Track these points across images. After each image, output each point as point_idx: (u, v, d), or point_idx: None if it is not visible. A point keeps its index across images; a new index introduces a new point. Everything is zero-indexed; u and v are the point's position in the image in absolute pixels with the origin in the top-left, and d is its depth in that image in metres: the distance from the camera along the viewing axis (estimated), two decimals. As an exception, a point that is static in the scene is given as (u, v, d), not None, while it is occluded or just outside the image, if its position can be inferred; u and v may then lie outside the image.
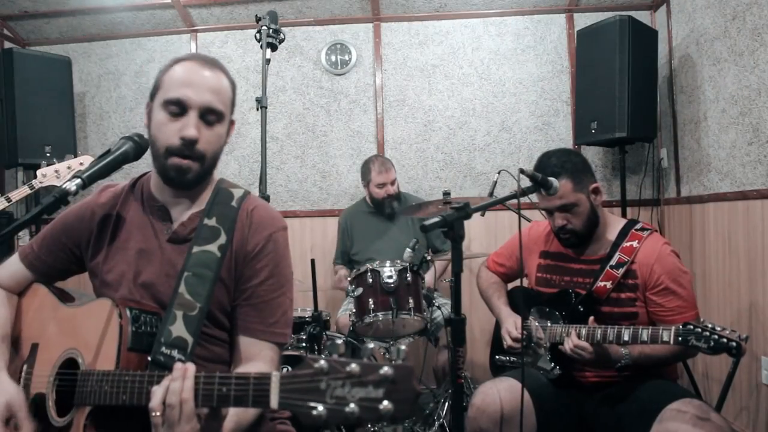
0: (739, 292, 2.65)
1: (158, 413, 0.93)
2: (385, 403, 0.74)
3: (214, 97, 1.20)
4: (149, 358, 1.09)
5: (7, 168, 3.71)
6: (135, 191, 1.32)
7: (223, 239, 1.21)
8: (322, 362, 0.78)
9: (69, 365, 1.17)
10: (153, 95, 1.24)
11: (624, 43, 3.01)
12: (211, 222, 1.22)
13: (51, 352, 1.21)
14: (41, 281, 1.34)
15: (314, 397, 0.77)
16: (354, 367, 0.76)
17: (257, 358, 1.21)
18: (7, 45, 3.77)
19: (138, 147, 1.24)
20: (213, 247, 1.20)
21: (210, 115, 1.20)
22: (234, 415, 1.06)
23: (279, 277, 1.25)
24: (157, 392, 0.94)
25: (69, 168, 2.40)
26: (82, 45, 3.94)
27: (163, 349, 1.09)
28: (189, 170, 1.19)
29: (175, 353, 1.09)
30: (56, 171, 2.39)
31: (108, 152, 1.21)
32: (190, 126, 1.16)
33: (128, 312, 1.12)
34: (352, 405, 0.75)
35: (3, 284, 1.33)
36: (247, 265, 1.23)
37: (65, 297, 1.31)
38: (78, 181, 1.11)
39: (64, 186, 1.08)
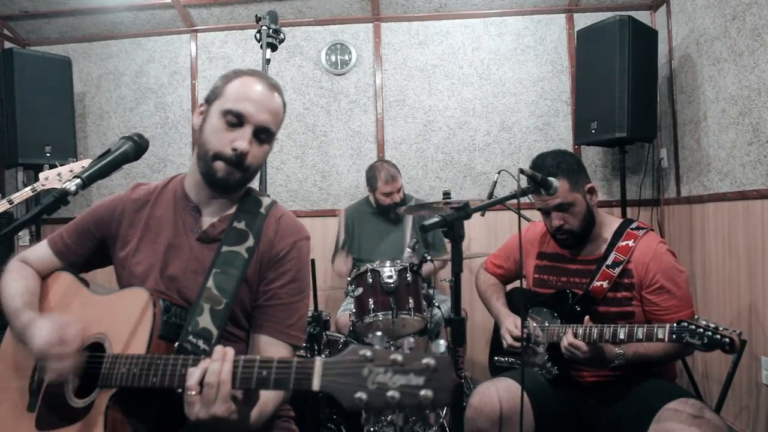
0: (738, 291, 2.65)
1: (194, 392, 0.96)
2: (425, 390, 0.77)
3: (271, 117, 1.28)
4: (176, 345, 1.14)
5: (7, 168, 3.71)
6: (168, 190, 1.38)
7: (250, 242, 1.28)
8: (367, 350, 0.82)
9: (92, 350, 1.19)
10: (210, 100, 1.30)
11: (624, 43, 3.01)
12: (240, 225, 1.30)
13: None
14: (66, 269, 1.38)
15: (356, 382, 0.81)
16: (398, 356, 0.80)
17: (274, 356, 1.23)
18: (7, 45, 3.77)
19: (138, 147, 1.24)
20: (241, 249, 1.26)
21: (263, 134, 1.28)
22: (258, 404, 1.09)
23: (300, 282, 1.32)
24: (195, 372, 0.98)
25: (71, 171, 2.41)
26: (82, 45, 3.95)
27: (190, 337, 1.15)
28: (232, 177, 1.26)
29: (200, 343, 1.15)
30: (58, 174, 2.40)
31: (108, 152, 1.21)
32: (244, 140, 1.23)
33: (161, 302, 1.17)
34: (393, 391, 0.78)
35: (31, 266, 1.38)
36: (271, 268, 1.29)
37: (89, 286, 1.34)
38: (78, 181, 1.10)
39: (63, 186, 1.09)
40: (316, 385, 0.85)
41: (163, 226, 1.32)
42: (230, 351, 0.98)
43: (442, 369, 0.78)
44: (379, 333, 0.86)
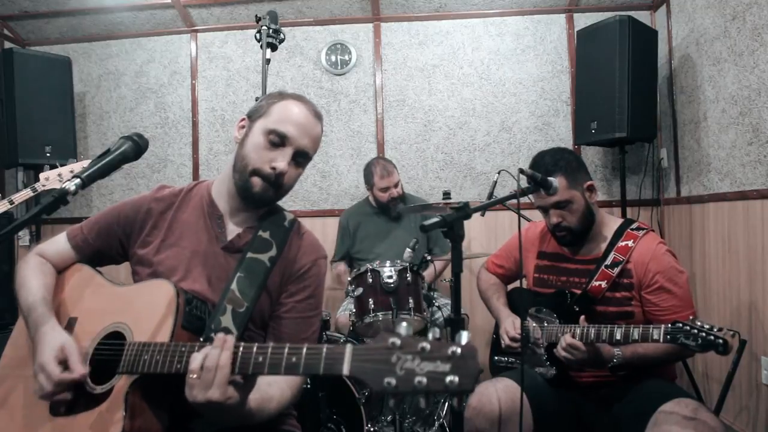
0: (738, 292, 2.65)
1: (195, 375, 1.00)
2: (451, 376, 0.81)
3: (311, 144, 1.34)
4: (201, 339, 1.17)
5: (7, 168, 3.71)
6: (194, 195, 1.42)
7: (273, 252, 1.33)
8: (396, 338, 0.85)
9: (114, 338, 1.20)
10: (254, 116, 1.34)
11: (624, 43, 3.01)
12: (265, 235, 1.35)
13: (92, 326, 1.25)
14: (84, 262, 1.40)
15: (385, 368, 0.84)
16: (425, 344, 0.84)
17: None
18: (7, 45, 3.77)
19: (137, 147, 1.24)
20: (264, 257, 1.31)
21: (301, 157, 1.33)
22: (257, 392, 1.12)
23: (317, 299, 1.38)
24: (198, 357, 1.01)
25: (71, 171, 2.42)
26: (82, 45, 3.95)
27: (212, 334, 1.16)
28: (267, 194, 1.31)
29: None
30: (59, 174, 2.40)
31: (107, 152, 1.20)
32: (284, 160, 1.28)
33: (184, 294, 1.20)
34: (420, 377, 0.82)
35: (48, 259, 1.39)
36: (292, 282, 1.35)
37: (108, 278, 1.36)
38: (77, 181, 1.10)
39: (63, 186, 1.09)
40: (346, 369, 0.88)
41: (187, 231, 1.35)
42: (230, 338, 1.01)
43: (468, 357, 0.82)
44: (404, 324, 0.87)
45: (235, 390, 1.01)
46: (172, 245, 1.34)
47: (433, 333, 0.86)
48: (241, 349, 1.00)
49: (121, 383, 1.12)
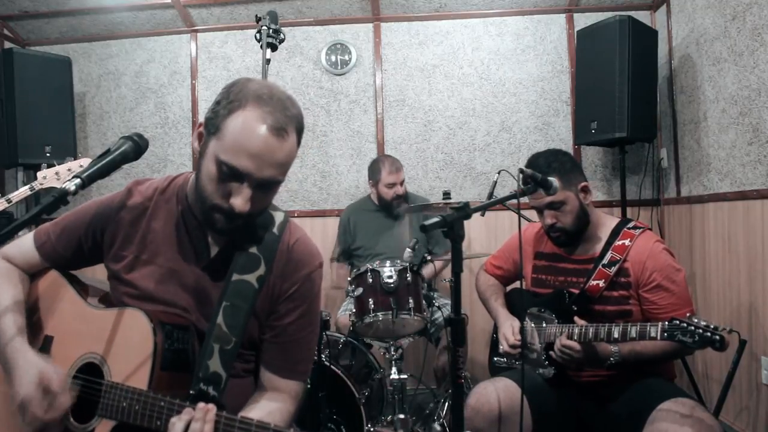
0: (738, 292, 2.65)
1: None
2: None
3: (277, 171, 1.09)
4: (191, 392, 1.10)
5: (7, 168, 3.71)
6: (168, 196, 1.25)
7: (261, 270, 1.18)
8: None
9: (88, 370, 1.16)
10: (209, 129, 1.09)
11: (624, 43, 3.01)
12: (252, 249, 1.19)
13: (68, 350, 1.19)
14: (55, 268, 1.30)
15: None
16: None
17: (280, 390, 1.24)
18: (7, 45, 3.77)
19: (137, 147, 1.23)
20: (252, 278, 1.17)
21: (268, 185, 1.11)
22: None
23: (310, 316, 1.26)
24: (178, 425, 0.99)
25: (69, 170, 2.40)
26: (82, 45, 3.94)
27: (201, 385, 1.11)
28: (232, 226, 1.12)
29: (210, 389, 1.11)
30: (56, 173, 2.39)
31: (107, 152, 1.20)
32: (242, 198, 1.06)
33: (161, 330, 1.10)
34: None
35: (16, 263, 1.29)
36: (282, 302, 1.22)
37: (83, 290, 1.28)
38: (77, 181, 1.10)
39: (63, 186, 1.08)
40: None
41: (162, 244, 1.21)
42: (212, 410, 1.00)
43: None
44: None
45: None
46: (147, 262, 1.21)
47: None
48: (223, 420, 0.99)
49: (102, 426, 1.10)
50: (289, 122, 1.10)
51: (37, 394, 1.07)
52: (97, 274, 1.34)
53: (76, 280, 1.32)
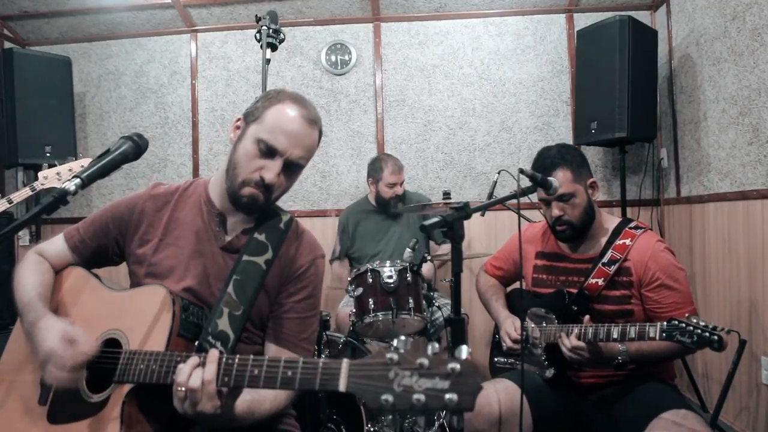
0: (738, 292, 2.65)
1: (182, 388, 1.00)
2: (451, 394, 0.79)
3: (305, 153, 1.30)
4: (196, 344, 1.17)
5: (7, 168, 3.71)
6: (190, 193, 1.40)
7: (269, 255, 1.32)
8: (393, 353, 0.84)
9: (110, 345, 1.19)
10: (248, 118, 1.31)
11: (624, 43, 3.01)
12: (261, 237, 1.34)
13: (88, 332, 1.22)
14: (80, 265, 1.38)
15: (382, 385, 0.82)
16: (424, 360, 0.82)
17: None
18: (7, 45, 3.77)
19: (137, 147, 1.24)
20: (260, 260, 1.30)
21: (293, 167, 1.30)
22: (249, 393, 1.11)
23: (315, 299, 1.38)
24: (184, 369, 1.01)
25: (70, 170, 2.41)
26: (82, 45, 3.95)
27: (209, 338, 1.18)
28: (257, 203, 1.28)
29: (218, 345, 1.18)
30: (57, 173, 2.39)
31: (107, 152, 1.20)
32: (272, 171, 1.25)
33: (179, 300, 1.20)
34: (418, 394, 0.80)
35: (46, 257, 1.38)
36: (291, 282, 1.34)
37: (103, 282, 1.35)
38: (77, 180, 1.10)
39: (63, 186, 1.08)
40: (342, 386, 0.87)
41: (185, 229, 1.34)
42: (214, 353, 1.02)
43: (467, 374, 0.80)
44: (403, 337, 0.86)
45: (225, 398, 1.02)
46: (170, 245, 1.33)
47: (432, 348, 0.83)
48: (236, 361, 0.99)
49: (117, 392, 1.12)
50: (317, 119, 1.33)
51: (61, 345, 1.10)
52: (116, 278, 1.39)
53: (98, 276, 1.37)
